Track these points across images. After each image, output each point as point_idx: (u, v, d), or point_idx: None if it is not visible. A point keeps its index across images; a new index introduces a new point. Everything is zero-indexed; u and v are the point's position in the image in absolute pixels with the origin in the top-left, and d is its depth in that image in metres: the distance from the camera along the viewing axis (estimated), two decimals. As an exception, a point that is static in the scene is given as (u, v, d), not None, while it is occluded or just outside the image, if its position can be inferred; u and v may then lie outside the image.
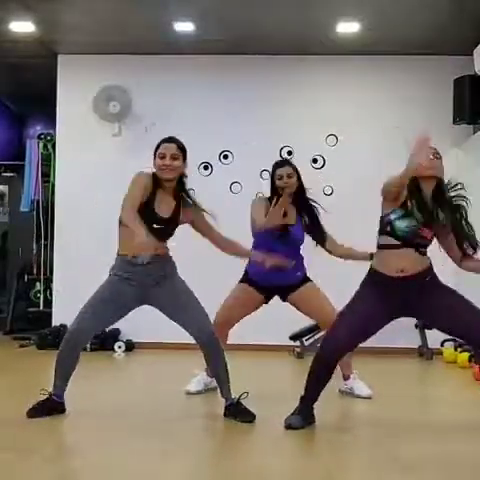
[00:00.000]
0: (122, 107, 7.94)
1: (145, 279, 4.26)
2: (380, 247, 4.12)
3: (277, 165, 5.07)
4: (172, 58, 8.10)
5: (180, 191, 4.38)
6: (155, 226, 4.22)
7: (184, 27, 7.36)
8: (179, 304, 4.32)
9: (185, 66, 8.10)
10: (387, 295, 4.03)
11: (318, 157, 8.02)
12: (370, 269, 4.16)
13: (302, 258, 5.10)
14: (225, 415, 4.34)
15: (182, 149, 4.37)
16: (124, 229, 4.19)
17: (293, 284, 5.02)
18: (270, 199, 4.91)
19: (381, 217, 4.11)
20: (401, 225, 3.99)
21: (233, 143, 8.12)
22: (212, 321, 4.92)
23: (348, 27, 7.30)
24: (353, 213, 7.31)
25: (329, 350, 4.14)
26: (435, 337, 7.15)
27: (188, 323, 4.32)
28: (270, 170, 5.12)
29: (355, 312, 4.11)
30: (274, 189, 5.01)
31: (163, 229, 4.28)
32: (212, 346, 4.33)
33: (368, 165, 7.69)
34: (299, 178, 5.03)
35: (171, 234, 4.36)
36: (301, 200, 5.04)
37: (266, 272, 4.71)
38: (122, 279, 4.26)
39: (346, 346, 4.19)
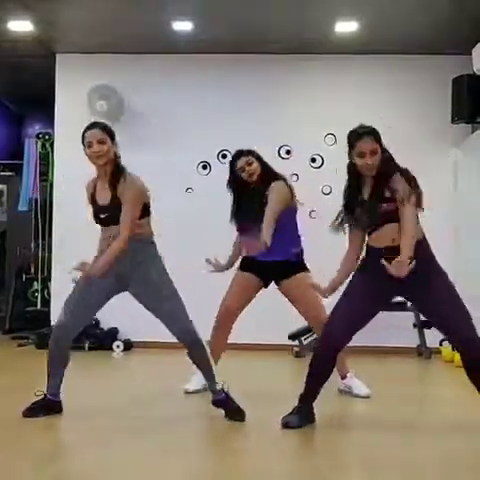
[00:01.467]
0: (111, 106, 7.86)
1: (118, 265, 4.19)
2: (369, 233, 4.16)
3: (234, 157, 5.14)
4: (171, 57, 8.09)
5: (116, 173, 4.29)
6: (101, 216, 4.26)
7: (183, 26, 7.36)
8: (155, 296, 4.27)
9: (184, 65, 8.10)
10: (377, 271, 3.98)
11: (317, 156, 8.02)
12: (366, 249, 4.20)
13: (293, 239, 5.09)
14: (214, 405, 4.36)
15: (107, 131, 4.30)
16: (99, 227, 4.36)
17: (281, 262, 4.98)
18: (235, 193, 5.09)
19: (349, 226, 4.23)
20: (365, 217, 4.08)
21: (232, 142, 8.09)
22: (216, 313, 4.95)
23: (346, 26, 7.31)
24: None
25: (328, 346, 4.14)
26: (433, 336, 7.16)
27: (167, 320, 4.29)
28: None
29: (349, 297, 4.12)
30: (237, 182, 5.09)
31: (109, 217, 4.26)
32: (194, 345, 4.31)
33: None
34: (262, 163, 5.10)
35: (117, 219, 4.23)
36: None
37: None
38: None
39: (344, 339, 4.17)
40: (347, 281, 4.23)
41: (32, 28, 7.34)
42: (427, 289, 4.02)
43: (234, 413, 4.27)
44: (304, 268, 5.07)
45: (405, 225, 3.95)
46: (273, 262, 4.97)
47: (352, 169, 4.22)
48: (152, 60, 8.10)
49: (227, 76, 8.13)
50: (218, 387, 4.34)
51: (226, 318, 5.09)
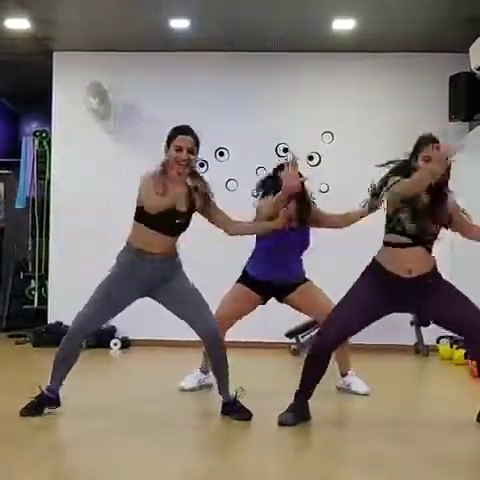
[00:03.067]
0: (103, 104, 7.84)
1: (151, 275, 4.22)
2: (388, 244, 4.11)
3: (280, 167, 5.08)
4: (168, 55, 8.09)
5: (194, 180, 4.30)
6: (178, 221, 4.19)
7: (180, 24, 7.36)
8: (184, 301, 4.29)
9: (181, 63, 8.10)
10: (388, 290, 4.04)
11: (314, 154, 8.02)
12: (374, 262, 4.15)
13: (301, 260, 5.12)
14: (222, 413, 4.35)
15: (197, 142, 4.31)
16: (143, 228, 4.19)
17: (290, 284, 5.02)
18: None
19: (388, 215, 4.11)
20: (412, 224, 4.00)
21: (229, 140, 8.12)
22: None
23: (344, 24, 7.31)
24: (349, 210, 7.29)
25: (325, 342, 4.14)
26: (431, 334, 7.17)
27: (194, 320, 4.29)
28: (265, 167, 5.13)
29: (352, 301, 4.12)
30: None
31: (183, 223, 4.23)
32: (216, 344, 4.32)
33: (364, 162, 7.67)
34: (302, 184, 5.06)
35: (186, 227, 4.27)
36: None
37: (266, 269, 4.83)
38: (127, 269, 4.23)
39: (341, 338, 4.19)
40: (358, 279, 4.22)
41: (29, 26, 7.33)
42: (438, 300, 4.06)
43: (241, 413, 4.27)
44: (305, 280, 5.09)
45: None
46: (280, 284, 4.98)
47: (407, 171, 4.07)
48: (149, 58, 8.09)
49: (224, 74, 8.12)
50: (230, 393, 4.35)
51: (220, 325, 5.07)
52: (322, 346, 4.16)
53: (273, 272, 4.93)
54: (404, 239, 4.03)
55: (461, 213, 4.19)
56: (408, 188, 3.90)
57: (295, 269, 5.06)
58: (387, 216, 4.12)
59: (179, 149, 4.20)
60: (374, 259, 4.16)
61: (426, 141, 4.05)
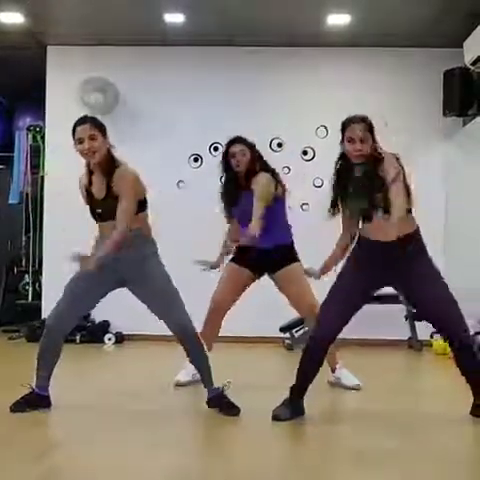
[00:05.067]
0: (106, 99, 7.86)
1: (114, 259, 4.13)
2: (363, 221, 4.17)
3: (230, 143, 5.16)
4: (162, 49, 8.08)
5: (111, 167, 4.22)
6: (98, 211, 4.21)
7: (174, 18, 7.34)
8: (153, 294, 4.24)
9: (175, 58, 8.09)
10: (369, 260, 4.07)
11: (308, 149, 8.02)
12: (357, 239, 4.21)
13: (285, 227, 5.11)
14: (208, 406, 4.31)
15: (97, 126, 4.19)
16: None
17: (267, 249, 4.96)
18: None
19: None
20: (352, 207, 4.12)
21: (223, 135, 8.08)
22: (208, 308, 4.95)
23: (338, 19, 7.30)
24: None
25: (321, 334, 4.15)
26: (424, 329, 7.18)
27: (163, 314, 4.27)
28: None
29: (340, 290, 4.13)
30: (228, 168, 5.11)
31: (105, 211, 4.19)
32: (188, 338, 4.28)
33: (358, 157, 7.68)
34: (255, 152, 5.12)
35: (113, 214, 4.16)
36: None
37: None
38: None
39: (337, 327, 4.17)
40: (338, 270, 4.23)
41: (22, 20, 7.30)
42: (418, 280, 4.05)
43: (228, 409, 4.25)
44: (296, 259, 5.07)
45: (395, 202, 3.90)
46: (265, 250, 4.95)
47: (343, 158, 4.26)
48: (144, 52, 8.07)
49: (218, 69, 8.11)
50: (213, 385, 4.32)
51: (216, 313, 5.09)
52: (319, 341, 4.15)
53: (263, 241, 4.82)
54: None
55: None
56: None
57: (273, 234, 4.95)
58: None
59: (81, 141, 4.16)
60: (358, 237, 4.21)
61: (348, 122, 4.21)
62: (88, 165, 4.28)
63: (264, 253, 4.96)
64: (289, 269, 5.01)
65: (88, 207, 4.33)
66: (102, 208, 4.21)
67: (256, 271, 5.10)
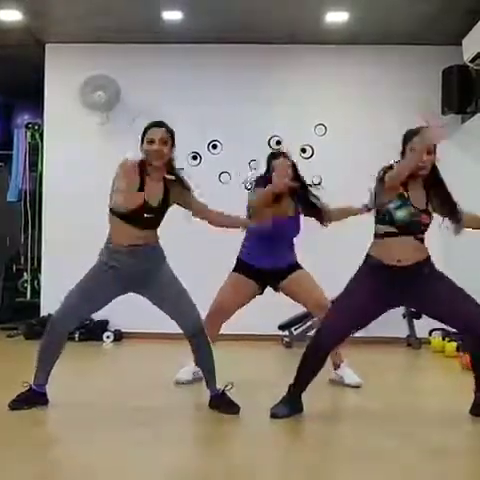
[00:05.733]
0: (109, 97, 7.90)
1: (132, 268, 4.20)
2: (378, 236, 4.13)
3: (273, 156, 5.11)
4: (160, 47, 8.07)
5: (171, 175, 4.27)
6: (146, 215, 4.17)
7: (172, 16, 7.34)
8: (167, 295, 4.29)
9: (173, 55, 8.08)
10: (384, 283, 4.04)
11: (307, 147, 8.01)
12: (367, 257, 4.16)
13: (293, 247, 5.13)
14: (210, 406, 4.33)
15: (171, 134, 4.27)
16: (114, 219, 4.20)
17: (284, 269, 5.03)
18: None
19: (377, 206, 4.13)
20: (401, 214, 4.03)
21: (222, 133, 8.10)
22: (206, 312, 4.95)
23: (337, 17, 7.30)
24: (341, 202, 7.29)
25: (324, 339, 4.14)
26: (423, 327, 7.18)
27: (176, 315, 4.30)
28: (258, 160, 5.14)
29: (351, 300, 4.11)
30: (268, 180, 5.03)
31: (154, 218, 4.23)
32: (199, 339, 4.31)
33: (357, 155, 7.69)
34: (295, 170, 5.07)
35: (160, 222, 4.31)
36: (297, 191, 5.03)
37: (259, 255, 4.90)
38: (109, 267, 4.22)
39: (341, 335, 4.19)
40: (354, 276, 4.21)
41: (21, 18, 7.29)
42: (434, 294, 4.07)
43: (229, 407, 4.25)
44: (298, 266, 5.10)
45: None
46: (273, 269, 5.01)
47: None
48: (142, 50, 8.06)
49: (217, 66, 8.10)
50: (217, 386, 4.33)
51: (217, 318, 5.07)
52: (321, 345, 4.15)
53: (265, 258, 4.96)
54: (392, 229, 4.05)
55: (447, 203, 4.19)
56: (403, 165, 3.92)
57: (287, 255, 5.09)
58: (377, 208, 4.15)
59: (151, 141, 4.19)
60: (367, 254, 4.17)
61: (411, 134, 4.10)
62: (142, 166, 4.20)
63: (275, 271, 5.02)
64: (293, 276, 5.06)
65: (131, 207, 4.13)
66: (151, 214, 4.21)
67: (262, 286, 5.12)
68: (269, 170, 5.03)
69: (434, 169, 4.14)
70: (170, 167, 4.29)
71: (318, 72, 8.12)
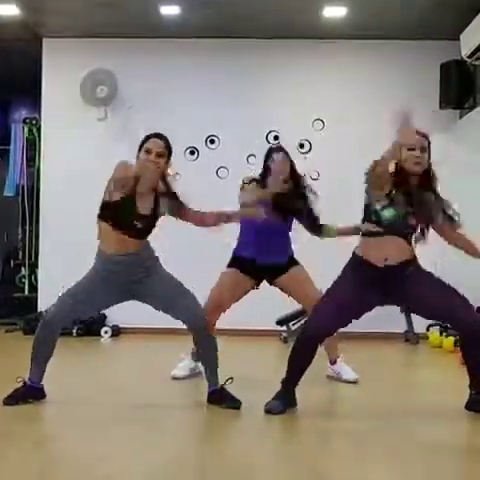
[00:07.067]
0: (109, 91, 7.90)
1: (126, 276, 4.20)
2: (365, 234, 4.13)
3: (272, 150, 5.10)
4: (158, 41, 8.05)
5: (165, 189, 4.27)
6: (135, 223, 4.15)
7: (170, 10, 7.33)
8: (167, 296, 4.27)
9: (171, 49, 8.07)
10: (369, 283, 4.04)
11: (304, 142, 8.01)
12: (354, 255, 4.16)
13: (290, 240, 5.12)
14: (209, 401, 4.32)
15: (169, 147, 4.25)
16: (104, 225, 4.19)
17: (281, 264, 5.03)
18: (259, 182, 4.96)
19: (366, 205, 4.14)
20: (387, 214, 4.02)
21: (220, 128, 8.09)
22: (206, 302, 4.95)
23: (335, 11, 7.29)
24: (339, 198, 7.30)
25: (310, 334, 4.15)
26: (421, 322, 7.18)
27: (180, 313, 4.28)
28: (256, 155, 5.12)
29: (337, 297, 4.11)
30: (266, 173, 5.03)
31: (143, 227, 4.20)
32: (204, 332, 4.31)
33: (355, 150, 7.68)
34: (292, 166, 5.06)
35: (150, 232, 4.28)
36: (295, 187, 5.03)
37: (255, 250, 4.88)
38: (104, 273, 4.22)
39: (327, 330, 4.22)
40: (341, 273, 4.21)
41: (18, 12, 7.28)
42: (418, 293, 4.07)
43: (230, 402, 4.25)
44: (296, 262, 5.09)
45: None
46: (273, 264, 5.00)
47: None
48: (139, 44, 8.05)
49: (215, 61, 8.10)
50: (218, 383, 4.33)
51: (213, 313, 5.07)
52: (308, 338, 4.16)
53: (260, 252, 4.94)
54: (379, 229, 4.04)
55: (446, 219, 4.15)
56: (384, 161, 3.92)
57: (283, 249, 5.06)
58: (365, 206, 4.15)
59: (148, 151, 4.17)
60: (353, 252, 4.17)
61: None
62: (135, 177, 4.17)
63: (272, 266, 5.01)
64: (290, 273, 5.05)
65: (121, 211, 4.15)
66: (143, 224, 4.19)
67: (257, 280, 5.10)
68: (267, 165, 5.01)
69: (429, 172, 4.12)
70: (163, 180, 4.27)
71: (316, 67, 8.11)
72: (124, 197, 4.10)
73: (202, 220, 4.39)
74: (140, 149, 4.22)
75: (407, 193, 4.04)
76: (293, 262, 5.09)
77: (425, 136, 4.14)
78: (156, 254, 4.36)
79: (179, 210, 4.34)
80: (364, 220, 4.15)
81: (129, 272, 4.20)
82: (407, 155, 4.02)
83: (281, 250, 5.04)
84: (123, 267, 4.19)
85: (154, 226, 4.27)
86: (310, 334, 4.16)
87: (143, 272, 4.24)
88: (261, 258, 4.96)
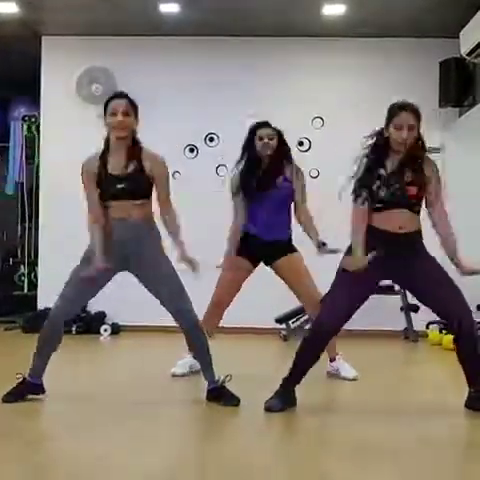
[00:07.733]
0: (105, 89, 7.87)
1: (120, 247, 4.16)
2: (376, 210, 4.10)
3: (258, 126, 5.13)
4: (157, 39, 8.05)
5: (137, 147, 4.24)
6: (119, 186, 4.12)
7: (169, 8, 7.32)
8: (158, 280, 4.20)
9: (170, 48, 8.07)
10: (389, 250, 4.02)
11: (304, 140, 8.01)
12: (369, 227, 4.10)
13: (290, 218, 5.10)
14: (208, 399, 4.31)
15: (133, 104, 4.24)
16: (97, 204, 4.26)
17: (284, 242, 5.01)
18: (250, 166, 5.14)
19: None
20: (383, 193, 4.05)
21: (219, 126, 8.09)
22: (209, 302, 4.94)
23: (334, 9, 7.29)
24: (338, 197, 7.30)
25: (320, 330, 4.12)
26: (420, 319, 7.19)
27: (166, 302, 4.23)
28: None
29: (343, 284, 4.09)
30: (253, 151, 5.06)
31: (128, 187, 4.14)
32: (192, 329, 4.26)
33: (354, 148, 7.65)
34: (282, 142, 5.11)
35: (141, 191, 4.19)
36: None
37: (259, 225, 4.93)
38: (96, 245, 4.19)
39: (338, 322, 4.13)
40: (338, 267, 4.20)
41: (17, 10, 7.27)
42: (420, 272, 4.08)
43: (228, 399, 4.24)
44: (295, 249, 5.07)
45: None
46: (274, 241, 4.99)
47: (381, 142, 4.19)
48: (138, 42, 8.05)
49: (214, 59, 8.09)
50: (215, 377, 4.31)
51: (218, 309, 5.07)
52: (324, 330, 4.12)
53: (265, 228, 4.94)
54: (382, 205, 4.07)
55: (437, 184, 4.18)
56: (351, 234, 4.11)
57: (287, 226, 5.04)
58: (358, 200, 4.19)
59: (114, 113, 4.18)
60: (369, 226, 4.11)
61: (396, 109, 4.15)
62: (107, 142, 4.22)
63: (273, 243, 4.99)
64: (289, 258, 5.02)
65: (99, 189, 4.22)
66: (126, 184, 4.14)
67: (255, 261, 5.08)
68: (250, 142, 5.06)
69: (418, 146, 4.14)
70: (135, 140, 4.25)
71: (315, 65, 8.11)
72: (92, 176, 4.23)
73: (165, 219, 4.31)
74: (105, 114, 4.21)
75: (400, 164, 4.08)
76: (293, 247, 5.07)
77: (413, 110, 4.12)
78: (160, 234, 4.28)
79: (156, 188, 4.30)
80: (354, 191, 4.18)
81: (120, 236, 4.15)
82: (395, 135, 4.07)
83: (282, 226, 5.01)
84: (116, 231, 4.16)
85: (142, 186, 4.19)
86: (321, 330, 4.12)
87: (139, 244, 4.17)
88: (262, 233, 4.95)
